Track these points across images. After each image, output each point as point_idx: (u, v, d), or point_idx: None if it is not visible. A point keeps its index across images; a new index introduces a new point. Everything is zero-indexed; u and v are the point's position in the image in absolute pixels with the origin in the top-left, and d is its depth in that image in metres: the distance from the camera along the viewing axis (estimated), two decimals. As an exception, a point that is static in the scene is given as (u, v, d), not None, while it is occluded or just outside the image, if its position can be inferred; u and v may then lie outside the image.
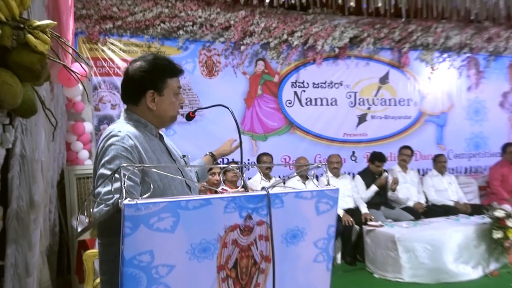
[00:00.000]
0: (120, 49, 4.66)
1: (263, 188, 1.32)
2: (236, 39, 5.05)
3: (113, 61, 4.62)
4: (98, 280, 2.64)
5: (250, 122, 5.26)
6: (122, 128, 1.49)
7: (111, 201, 1.33)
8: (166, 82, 1.56)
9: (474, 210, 4.97)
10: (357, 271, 4.31)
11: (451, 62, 6.28)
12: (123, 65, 4.60)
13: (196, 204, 1.19)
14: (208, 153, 1.97)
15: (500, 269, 4.14)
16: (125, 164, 1.18)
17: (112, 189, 1.34)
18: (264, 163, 4.70)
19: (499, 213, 4.14)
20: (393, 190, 4.93)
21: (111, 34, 4.60)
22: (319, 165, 1.52)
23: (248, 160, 5.01)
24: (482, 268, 4.11)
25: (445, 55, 6.24)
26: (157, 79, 1.55)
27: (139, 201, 1.10)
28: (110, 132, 1.48)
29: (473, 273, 4.02)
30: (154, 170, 1.39)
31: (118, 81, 4.67)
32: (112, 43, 4.61)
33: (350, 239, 4.50)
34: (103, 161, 1.44)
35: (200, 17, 4.82)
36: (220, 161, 3.50)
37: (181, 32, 4.80)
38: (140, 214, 1.11)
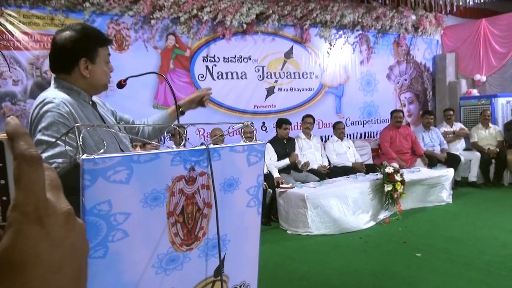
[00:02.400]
0: (20, 21, 4.32)
1: (202, 144, 1.49)
2: (146, 13, 4.99)
3: (12, 34, 4.28)
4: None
5: (164, 97, 5.29)
6: (57, 95, 1.51)
7: (54, 165, 1.38)
8: (98, 50, 1.60)
9: (369, 169, 5.66)
10: (272, 230, 4.68)
11: (346, 38, 6.90)
12: (24, 38, 4.30)
13: (147, 158, 1.32)
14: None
15: (391, 217, 4.83)
16: (78, 124, 1.26)
17: (57, 153, 1.39)
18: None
19: (389, 170, 4.80)
20: (302, 170, 5.41)
21: (8, 5, 4.24)
22: (247, 123, 1.72)
23: (166, 134, 5.06)
24: (376, 217, 4.78)
25: (341, 32, 6.83)
26: (89, 48, 1.58)
27: (96, 156, 1.19)
28: (44, 99, 1.49)
29: (369, 222, 4.66)
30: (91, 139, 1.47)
31: (20, 55, 4.36)
32: (10, 15, 4.25)
33: (265, 201, 4.85)
34: (39, 128, 1.44)
35: (106, -12, 4.67)
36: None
37: (87, 4, 4.60)
38: (98, 167, 1.20)
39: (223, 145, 1.55)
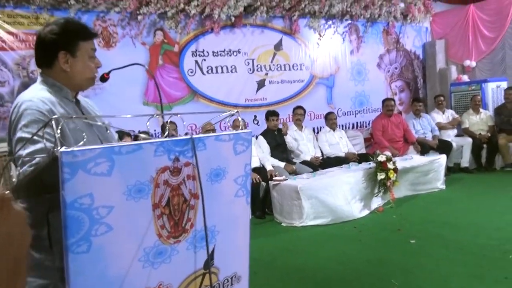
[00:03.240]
0: (4, 21, 4.25)
1: (186, 133, 1.46)
2: (132, 9, 4.93)
3: (-4, 35, 4.22)
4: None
5: (154, 93, 5.24)
6: (35, 95, 1.50)
7: (35, 161, 1.35)
8: (79, 44, 1.57)
9: (362, 158, 5.66)
10: (267, 223, 4.67)
11: (335, 28, 6.88)
12: (9, 39, 4.24)
13: (129, 149, 1.28)
14: None
15: (384, 205, 4.83)
16: (56, 116, 1.23)
17: (38, 149, 1.37)
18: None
19: (381, 158, 4.80)
20: (285, 134, 5.46)
21: (-9, 5, 4.19)
22: (233, 113, 1.69)
23: (155, 130, 5.03)
24: (370, 206, 4.78)
25: (330, 22, 6.81)
26: (69, 41, 1.56)
27: (75, 148, 1.16)
28: (22, 99, 1.48)
29: (363, 211, 4.66)
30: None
31: (5, 56, 4.29)
32: (-6, 15, 4.20)
33: (259, 195, 4.84)
34: (20, 126, 1.43)
35: (91, -15, 4.61)
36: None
37: (72, 1, 4.53)
38: (77, 160, 1.17)
39: (208, 135, 1.52)
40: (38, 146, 1.36)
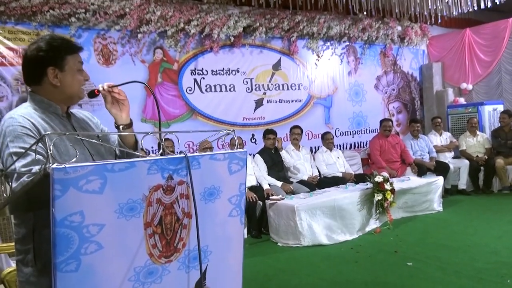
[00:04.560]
0: (5, 37, 4.29)
1: (181, 152, 1.45)
2: (133, 27, 4.99)
3: (-3, 50, 4.25)
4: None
5: (152, 110, 5.26)
6: (15, 112, 1.52)
7: (33, 170, 1.34)
8: (66, 58, 1.58)
9: (359, 178, 5.64)
10: (262, 243, 4.62)
11: (333, 49, 6.96)
12: (9, 54, 4.27)
13: (122, 166, 1.27)
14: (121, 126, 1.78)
15: (382, 227, 4.79)
16: (49, 132, 1.23)
17: (30, 162, 1.36)
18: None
19: (378, 179, 4.79)
20: (280, 149, 5.51)
21: (-8, 21, 4.22)
22: (229, 131, 1.69)
23: (152, 147, 5.02)
24: (367, 227, 4.74)
25: (328, 43, 6.89)
26: (56, 56, 1.57)
27: (67, 165, 1.15)
28: (4, 119, 1.51)
29: (360, 231, 4.62)
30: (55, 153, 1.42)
31: (5, 71, 4.32)
32: (-5, 31, 4.23)
33: (255, 214, 4.80)
34: (6, 142, 1.43)
35: (93, 4, 4.66)
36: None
37: (73, 19, 4.59)
38: (69, 177, 1.15)
39: (202, 153, 1.52)
40: (29, 158, 1.37)
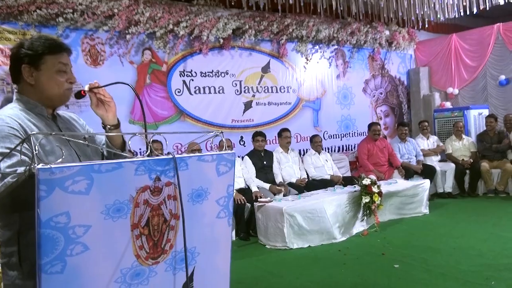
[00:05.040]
0: (-10, 36, 4.24)
1: (168, 153, 1.44)
2: (121, 28, 4.95)
3: (-18, 49, 4.19)
4: None
5: (140, 112, 5.22)
6: (3, 113, 1.50)
7: (19, 171, 1.32)
8: (43, 58, 1.55)
9: (347, 181, 5.67)
10: (251, 245, 4.61)
11: (322, 53, 7.01)
12: (-5, 53, 4.21)
13: (109, 167, 1.26)
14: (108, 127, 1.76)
15: (369, 229, 4.82)
16: (35, 132, 1.21)
17: (15, 162, 1.34)
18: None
19: (366, 182, 4.82)
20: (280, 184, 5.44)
21: (-22, 20, 4.16)
22: (217, 133, 1.68)
23: (140, 149, 4.99)
24: (355, 229, 4.77)
25: (317, 46, 6.94)
26: (33, 54, 1.55)
27: (53, 165, 1.13)
28: None
29: (348, 233, 4.65)
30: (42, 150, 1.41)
31: (-9, 70, 4.25)
32: (-20, 30, 4.17)
33: (243, 216, 4.80)
34: None
35: (80, 4, 4.61)
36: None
37: (60, 19, 4.54)
38: (55, 177, 1.14)
39: (190, 155, 1.51)
40: (15, 159, 1.34)
